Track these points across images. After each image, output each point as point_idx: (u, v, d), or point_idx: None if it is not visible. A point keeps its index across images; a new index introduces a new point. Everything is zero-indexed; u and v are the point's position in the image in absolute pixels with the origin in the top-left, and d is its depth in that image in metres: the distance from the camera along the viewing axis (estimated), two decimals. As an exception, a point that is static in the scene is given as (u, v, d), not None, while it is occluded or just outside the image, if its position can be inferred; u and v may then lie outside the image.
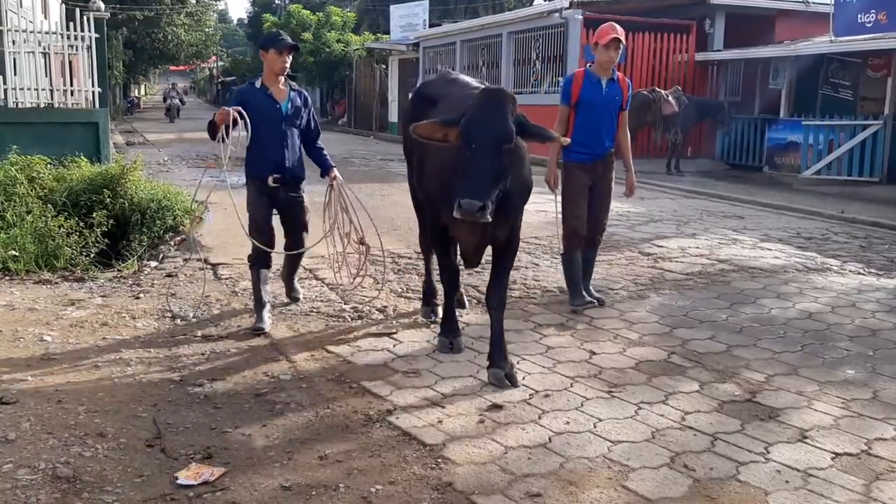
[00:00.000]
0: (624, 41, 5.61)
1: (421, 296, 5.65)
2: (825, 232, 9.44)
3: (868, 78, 15.13)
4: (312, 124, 5.47)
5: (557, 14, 17.80)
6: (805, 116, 15.23)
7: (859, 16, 13.81)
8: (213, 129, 5.06)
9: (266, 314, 5.25)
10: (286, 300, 5.91)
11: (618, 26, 5.61)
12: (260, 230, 5.24)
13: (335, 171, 5.54)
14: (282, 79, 5.21)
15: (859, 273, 7.24)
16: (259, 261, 5.30)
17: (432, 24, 27.43)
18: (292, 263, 5.77)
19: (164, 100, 62.44)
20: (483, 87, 4.53)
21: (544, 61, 18.99)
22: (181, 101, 38.26)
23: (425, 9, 27.98)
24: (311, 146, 5.53)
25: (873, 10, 13.53)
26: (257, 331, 5.10)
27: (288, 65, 5.18)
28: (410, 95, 5.43)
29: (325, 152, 5.58)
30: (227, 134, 4.99)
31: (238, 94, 5.25)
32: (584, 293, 5.75)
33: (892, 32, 13.24)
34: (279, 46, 5.13)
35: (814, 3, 17.59)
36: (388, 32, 30.80)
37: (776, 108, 16.09)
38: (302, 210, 5.45)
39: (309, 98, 5.54)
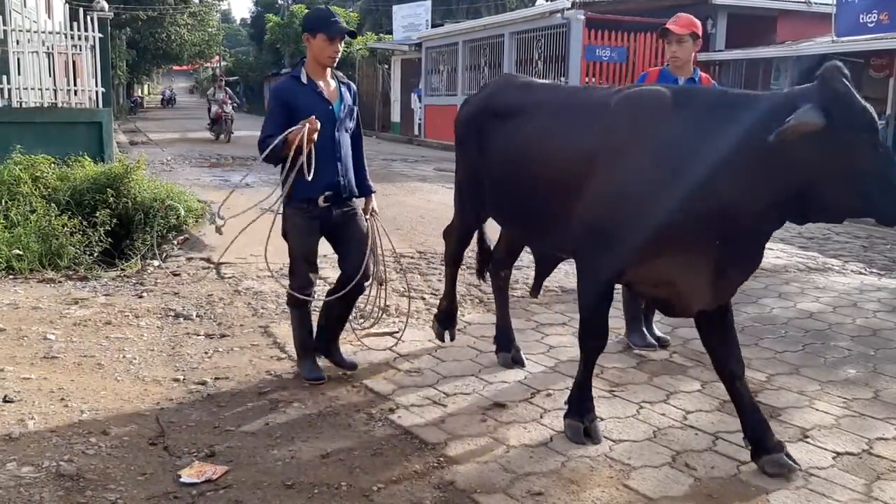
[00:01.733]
0: (692, 30, 4.66)
1: (436, 309, 4.94)
2: (826, 232, 9.44)
3: (870, 78, 15.11)
4: (358, 128, 4.39)
5: (559, 14, 17.83)
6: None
7: (861, 16, 13.81)
8: (271, 148, 3.87)
9: (317, 360, 4.39)
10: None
11: (683, 15, 4.77)
12: (307, 267, 4.20)
13: (374, 202, 4.39)
14: (329, 71, 4.16)
15: (861, 273, 7.24)
16: (301, 299, 4.25)
17: (435, 25, 27.47)
18: (342, 310, 4.38)
19: (163, 99, 60.49)
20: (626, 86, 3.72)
21: (546, 61, 19.00)
22: (234, 105, 22.99)
23: (428, 9, 28.03)
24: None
25: (875, 11, 13.53)
26: (317, 381, 4.21)
27: (339, 55, 4.10)
28: (465, 111, 4.31)
29: (366, 167, 4.43)
30: (294, 164, 3.86)
31: (280, 92, 4.08)
32: (646, 331, 4.99)
33: (894, 32, 13.24)
34: (331, 31, 4.01)
35: (816, 3, 17.59)
36: (390, 32, 30.85)
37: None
38: (361, 224, 4.26)
39: (356, 93, 4.42)
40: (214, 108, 21.97)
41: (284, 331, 5.14)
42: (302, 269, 4.19)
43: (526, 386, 4.25)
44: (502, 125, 3.94)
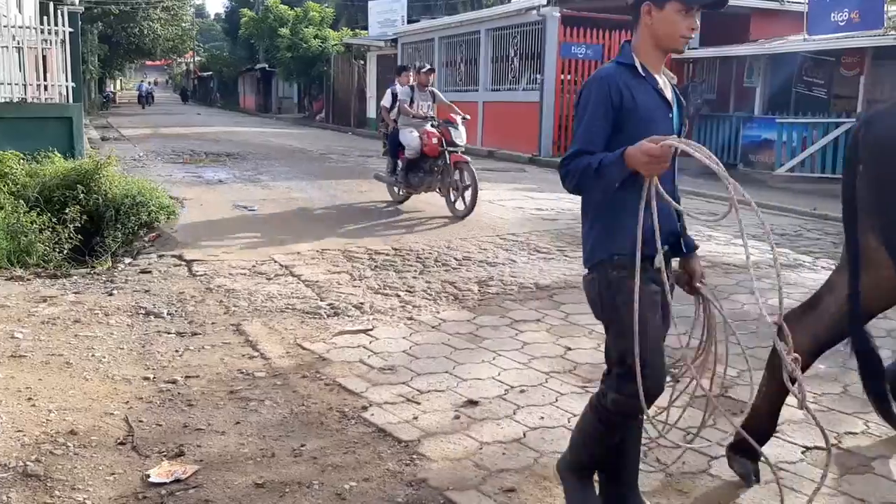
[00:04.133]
0: None
1: (740, 429, 2.93)
2: (798, 228, 9.54)
3: (841, 76, 15.28)
4: None
5: (535, 11, 17.82)
6: (779, 114, 15.38)
7: (832, 14, 13.96)
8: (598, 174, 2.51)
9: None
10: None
11: None
12: (661, 357, 2.75)
13: (698, 261, 2.92)
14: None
15: (831, 269, 7.31)
16: (633, 407, 2.68)
17: (411, 20, 27.38)
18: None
19: (140, 96, 55.69)
20: None
21: (522, 58, 19.01)
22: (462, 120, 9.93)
23: (403, 5, 27.92)
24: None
25: (846, 9, 13.68)
26: None
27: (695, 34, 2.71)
28: None
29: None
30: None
31: (607, 83, 2.62)
32: None
33: (864, 31, 13.40)
34: None
35: (788, 1, 17.73)
36: (366, 28, 30.71)
37: (751, 106, 16.24)
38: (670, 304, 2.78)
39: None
40: (411, 134, 9.88)
41: (256, 329, 5.11)
42: (657, 359, 2.69)
43: (499, 382, 4.25)
44: None
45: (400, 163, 10.10)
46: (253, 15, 38.01)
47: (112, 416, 3.71)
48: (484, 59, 20.51)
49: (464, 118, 9.87)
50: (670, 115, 2.72)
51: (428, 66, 10.42)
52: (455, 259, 7.25)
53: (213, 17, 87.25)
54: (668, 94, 2.74)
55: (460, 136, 9.67)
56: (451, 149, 9.58)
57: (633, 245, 2.54)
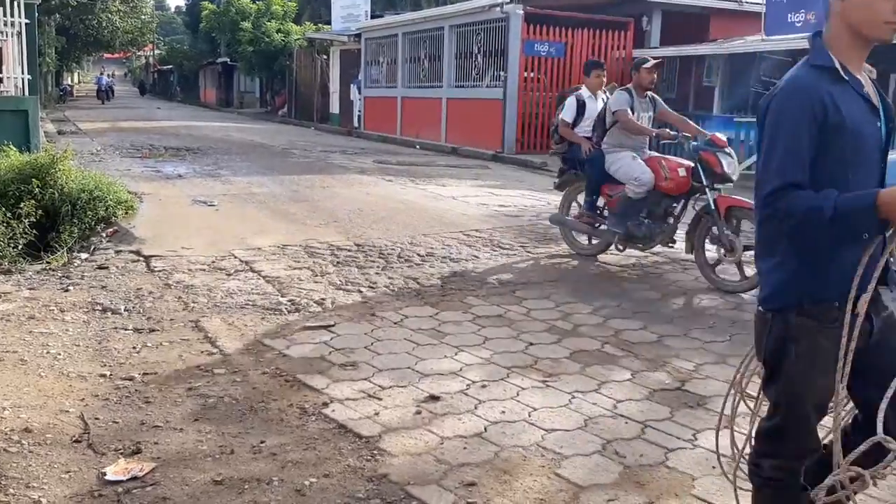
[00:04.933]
0: None
1: None
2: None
3: (797, 76, 15.59)
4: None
5: (498, 8, 17.87)
6: (737, 113, 15.62)
7: (789, 15, 14.21)
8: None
9: None
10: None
11: None
12: (815, 422, 2.35)
13: None
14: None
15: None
16: (796, 471, 2.38)
17: (374, 15, 27.29)
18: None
19: (99, 90, 53.53)
20: None
21: (486, 55, 19.06)
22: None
23: (367, 0, 27.82)
24: None
25: (803, 10, 13.93)
26: None
27: None
28: None
29: None
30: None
31: (810, 98, 2.12)
32: None
33: (820, 32, 13.67)
34: None
35: (746, 2, 18.01)
36: (329, 23, 30.53)
37: (710, 105, 16.49)
38: None
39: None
40: (634, 162, 6.80)
41: (216, 325, 5.06)
42: (810, 425, 2.33)
43: (461, 377, 4.27)
44: None
45: (603, 202, 7.15)
46: (214, 8, 37.58)
47: (67, 414, 3.65)
48: (448, 56, 20.52)
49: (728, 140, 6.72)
50: (878, 124, 2.23)
51: (652, 61, 7.07)
52: (418, 255, 7.26)
53: (173, 9, 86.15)
54: (874, 96, 2.24)
55: (733, 164, 6.52)
56: (719, 185, 6.56)
57: (837, 291, 2.15)
